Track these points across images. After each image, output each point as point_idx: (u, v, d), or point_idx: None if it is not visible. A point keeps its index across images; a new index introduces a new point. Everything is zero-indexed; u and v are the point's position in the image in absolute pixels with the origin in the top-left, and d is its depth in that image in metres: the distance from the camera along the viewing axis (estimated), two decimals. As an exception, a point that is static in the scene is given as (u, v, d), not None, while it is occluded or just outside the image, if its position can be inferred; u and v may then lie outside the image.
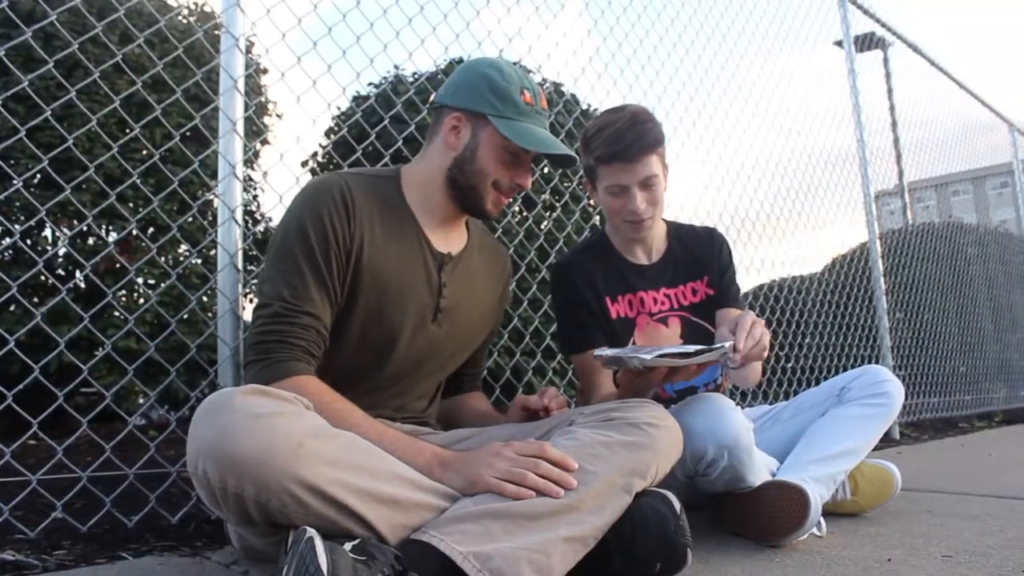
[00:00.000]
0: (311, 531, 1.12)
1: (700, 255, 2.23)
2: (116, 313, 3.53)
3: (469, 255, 1.86)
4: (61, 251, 3.65)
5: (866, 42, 5.64)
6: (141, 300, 3.87)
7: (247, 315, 2.21)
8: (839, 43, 5.16)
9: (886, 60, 6.30)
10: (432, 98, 1.85)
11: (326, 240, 1.60)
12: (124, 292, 3.82)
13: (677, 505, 1.41)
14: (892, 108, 6.41)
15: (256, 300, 1.63)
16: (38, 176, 3.42)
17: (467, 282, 1.84)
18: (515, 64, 1.83)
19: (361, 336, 1.68)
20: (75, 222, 3.51)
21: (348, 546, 1.17)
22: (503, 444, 1.42)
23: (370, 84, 4.09)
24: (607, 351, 1.66)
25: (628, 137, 1.95)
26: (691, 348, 1.63)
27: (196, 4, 4.19)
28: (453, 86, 1.77)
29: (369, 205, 1.68)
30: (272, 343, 1.52)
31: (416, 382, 1.82)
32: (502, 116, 1.69)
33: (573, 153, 1.76)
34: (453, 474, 1.38)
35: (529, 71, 3.83)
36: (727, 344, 1.63)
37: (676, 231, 2.27)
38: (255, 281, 2.39)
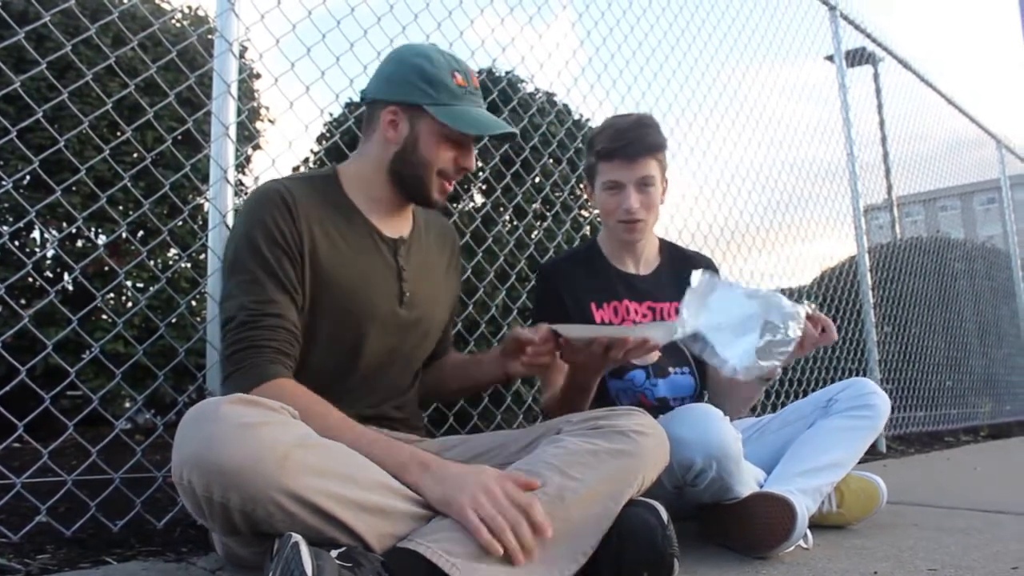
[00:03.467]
0: (296, 536, 1.12)
1: (688, 276, 2.23)
2: (104, 316, 3.52)
3: (419, 236, 1.87)
4: (49, 253, 3.63)
5: (857, 57, 5.69)
6: (130, 304, 3.85)
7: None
8: (830, 57, 5.20)
9: (876, 75, 6.34)
10: (362, 92, 1.84)
11: (275, 244, 1.59)
12: (112, 295, 3.80)
13: (664, 515, 1.42)
14: (882, 123, 6.46)
15: (221, 315, 1.62)
16: (28, 177, 3.41)
17: (423, 263, 1.85)
18: (441, 49, 1.82)
19: (332, 335, 1.67)
20: (64, 224, 3.49)
21: (334, 553, 1.16)
22: (496, 477, 1.33)
23: (362, 91, 4.08)
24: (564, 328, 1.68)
25: (630, 136, 2.04)
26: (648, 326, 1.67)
27: (190, 8, 4.19)
28: (383, 79, 1.76)
29: (313, 205, 1.67)
30: (243, 351, 1.51)
31: (394, 372, 1.80)
32: (438, 103, 1.68)
33: (514, 129, 1.75)
34: (433, 482, 1.32)
35: (517, 74, 3.84)
36: (677, 324, 1.69)
37: (669, 249, 2.31)
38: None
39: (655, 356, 1.78)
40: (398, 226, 1.82)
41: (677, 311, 2.17)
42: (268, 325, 1.54)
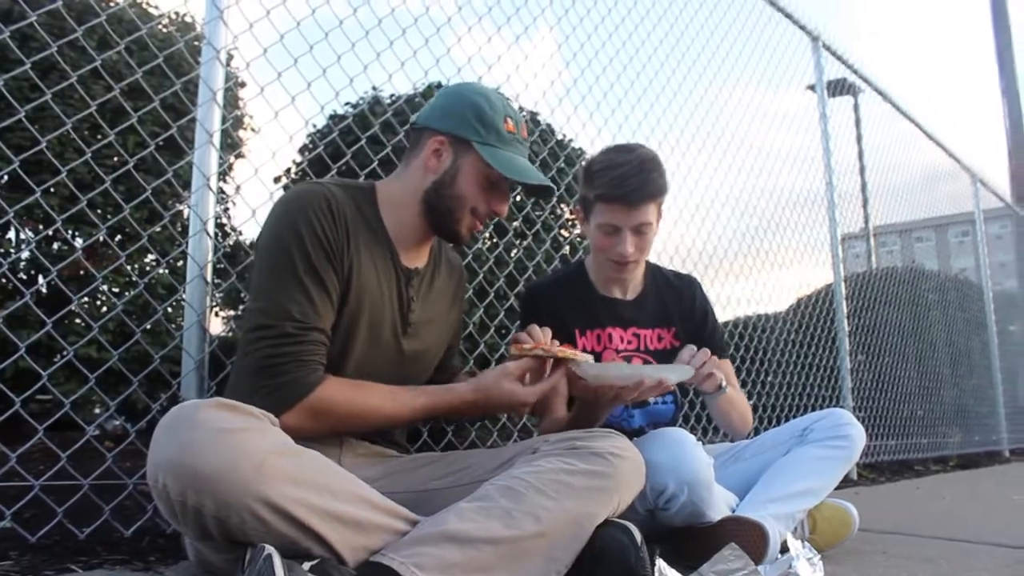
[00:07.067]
0: (270, 548, 1.11)
1: (671, 304, 2.25)
2: (77, 320, 3.48)
3: (433, 270, 1.88)
4: (24, 255, 3.59)
5: (838, 87, 5.76)
6: (104, 308, 3.81)
7: (214, 328, 2.19)
8: (812, 87, 5.26)
9: (856, 106, 6.42)
10: (413, 118, 1.85)
11: (322, 247, 1.59)
12: (87, 299, 3.76)
13: (638, 536, 1.42)
14: (861, 154, 6.52)
15: (254, 315, 1.56)
16: (5, 177, 3.38)
17: (432, 297, 1.86)
18: (499, 93, 1.84)
19: (341, 349, 1.66)
20: (41, 226, 3.46)
21: (307, 566, 1.16)
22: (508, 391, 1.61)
23: (347, 104, 4.09)
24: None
25: (633, 183, 1.98)
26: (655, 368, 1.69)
27: (177, 14, 4.18)
28: (439, 110, 1.77)
29: (351, 214, 1.68)
30: (287, 364, 1.50)
31: None
32: (486, 143, 1.70)
33: (551, 184, 1.77)
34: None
35: (502, 93, 3.86)
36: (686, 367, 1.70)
37: (654, 274, 2.30)
38: (221, 295, 2.37)
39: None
40: (417, 257, 1.83)
41: (659, 338, 2.20)
42: (313, 340, 1.54)
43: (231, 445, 1.18)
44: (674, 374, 1.73)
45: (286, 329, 1.52)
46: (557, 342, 1.71)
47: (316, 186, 1.68)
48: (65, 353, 1.97)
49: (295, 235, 1.58)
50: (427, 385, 1.74)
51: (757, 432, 2.32)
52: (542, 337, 1.69)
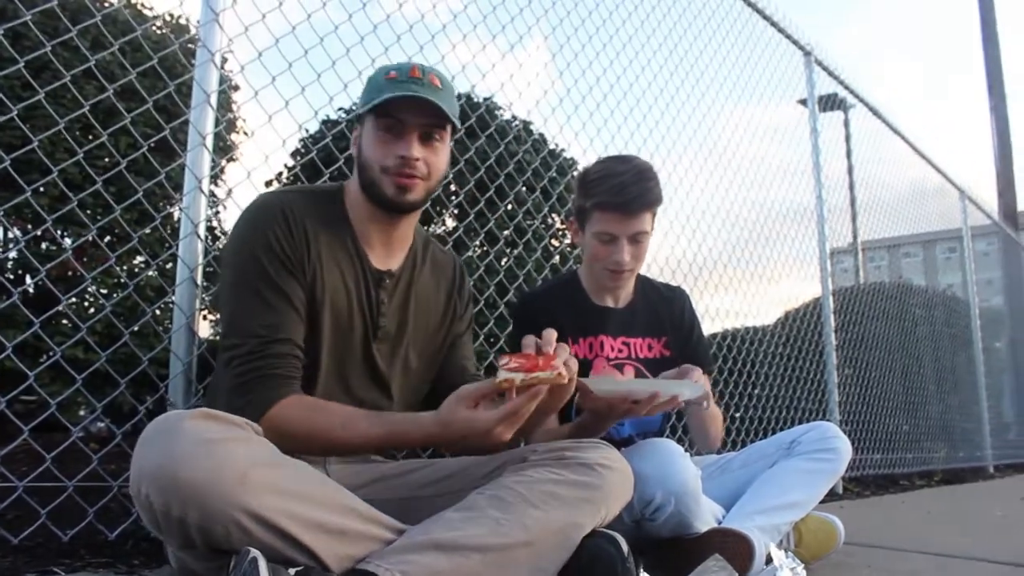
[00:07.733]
0: (255, 552, 1.11)
1: (660, 314, 2.27)
2: (64, 321, 3.46)
3: (411, 271, 1.83)
4: (11, 254, 3.57)
5: (829, 102, 5.79)
6: (92, 310, 3.79)
7: (202, 331, 2.18)
8: (803, 101, 5.29)
9: (847, 121, 6.46)
10: None
11: (279, 260, 1.59)
12: (74, 300, 3.74)
13: (625, 547, 1.42)
14: (851, 169, 6.55)
15: (224, 335, 1.59)
16: (-5, 176, 3.36)
17: (414, 299, 1.82)
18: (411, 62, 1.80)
19: (314, 358, 1.65)
20: (30, 226, 3.44)
21: (292, 571, 1.15)
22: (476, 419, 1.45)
23: (340, 109, 4.09)
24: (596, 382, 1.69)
25: (632, 192, 1.99)
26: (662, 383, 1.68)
27: (172, 16, 4.17)
28: None
29: (311, 222, 1.66)
30: (251, 382, 1.51)
31: (371, 400, 1.74)
32: (369, 102, 1.67)
33: (425, 96, 1.62)
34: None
35: (495, 101, 3.86)
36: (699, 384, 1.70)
37: (644, 284, 2.31)
38: (210, 298, 2.36)
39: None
40: (390, 257, 1.80)
41: (649, 347, 2.21)
42: (276, 353, 1.54)
43: (215, 455, 1.17)
44: (687, 391, 1.74)
45: (251, 346, 1.53)
46: (566, 349, 1.56)
47: (273, 197, 1.68)
48: (52, 354, 1.96)
49: (251, 251, 1.59)
50: (395, 413, 1.70)
51: (744, 444, 2.33)
52: (547, 347, 1.57)
